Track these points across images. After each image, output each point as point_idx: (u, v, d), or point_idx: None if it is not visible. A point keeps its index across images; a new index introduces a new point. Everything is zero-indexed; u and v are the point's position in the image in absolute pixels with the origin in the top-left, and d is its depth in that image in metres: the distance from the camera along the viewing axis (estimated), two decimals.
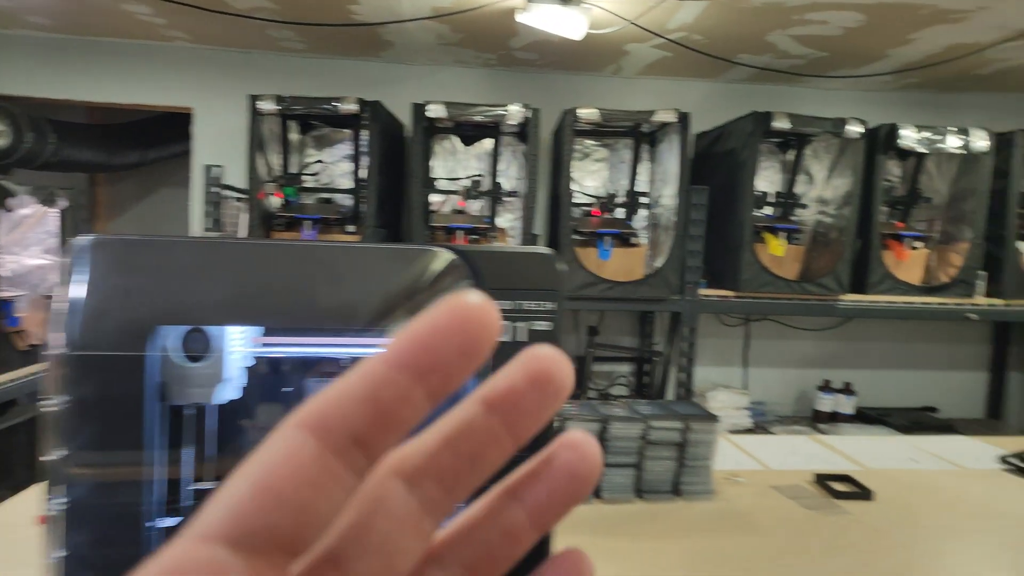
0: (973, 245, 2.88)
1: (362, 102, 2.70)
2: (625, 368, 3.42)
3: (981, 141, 2.84)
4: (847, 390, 3.15)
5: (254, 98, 2.71)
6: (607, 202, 3.01)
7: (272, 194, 2.87)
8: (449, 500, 0.18)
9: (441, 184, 2.99)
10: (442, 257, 0.60)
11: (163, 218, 4.78)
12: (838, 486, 1.57)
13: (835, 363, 3.38)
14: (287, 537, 0.15)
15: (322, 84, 3.15)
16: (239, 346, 0.57)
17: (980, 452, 1.89)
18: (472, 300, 0.17)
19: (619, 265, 2.86)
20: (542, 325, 0.55)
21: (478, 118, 2.68)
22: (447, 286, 0.54)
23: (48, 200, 3.40)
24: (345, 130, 2.97)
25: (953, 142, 2.86)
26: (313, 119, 2.94)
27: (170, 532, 0.48)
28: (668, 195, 2.83)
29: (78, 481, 0.56)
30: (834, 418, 3.12)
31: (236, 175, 3.03)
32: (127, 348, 0.52)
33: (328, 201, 2.99)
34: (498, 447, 0.18)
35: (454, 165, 3.01)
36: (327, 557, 0.17)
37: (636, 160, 2.99)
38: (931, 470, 1.75)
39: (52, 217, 3.44)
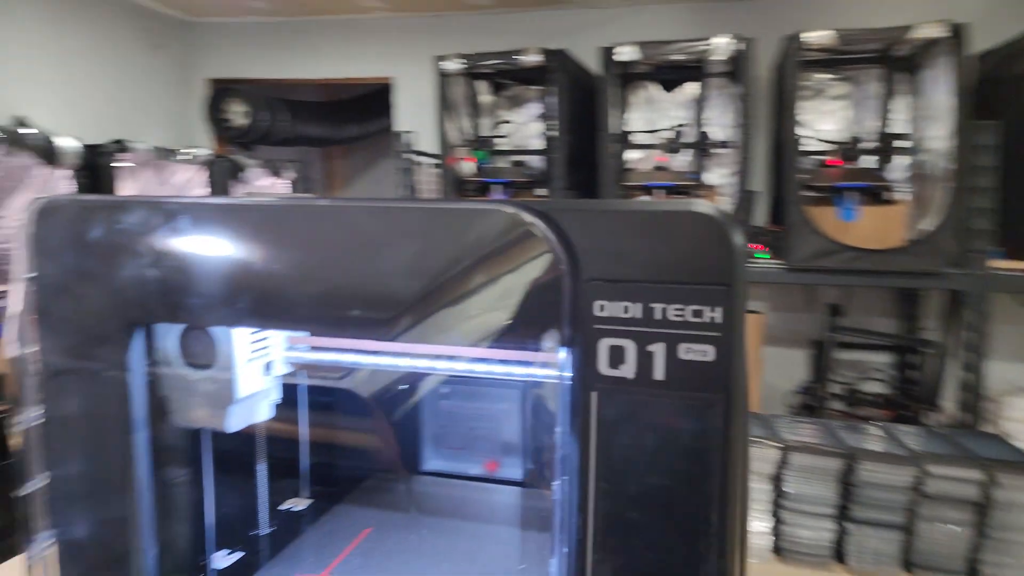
0: None
1: (547, 52, 2.54)
2: (882, 359, 2.85)
3: None
4: None
5: (439, 59, 2.69)
6: (850, 149, 2.48)
7: (463, 159, 2.84)
8: None
9: (639, 138, 2.70)
10: (511, 219, 0.41)
11: (384, 188, 5.09)
12: None
13: None
14: None
15: (511, 40, 3.02)
16: (262, 348, 0.50)
17: None
18: None
19: (870, 228, 2.37)
20: (698, 352, 0.34)
21: (677, 57, 2.35)
22: (519, 257, 0.41)
23: (276, 172, 3.75)
24: (534, 88, 2.83)
25: None
26: (498, 76, 2.85)
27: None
28: (938, 136, 2.26)
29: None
30: None
31: (433, 141, 3.06)
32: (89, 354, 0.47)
33: (520, 164, 2.88)
34: None
35: (654, 116, 2.70)
36: None
37: (889, 94, 2.43)
38: None
39: (283, 188, 3.79)
